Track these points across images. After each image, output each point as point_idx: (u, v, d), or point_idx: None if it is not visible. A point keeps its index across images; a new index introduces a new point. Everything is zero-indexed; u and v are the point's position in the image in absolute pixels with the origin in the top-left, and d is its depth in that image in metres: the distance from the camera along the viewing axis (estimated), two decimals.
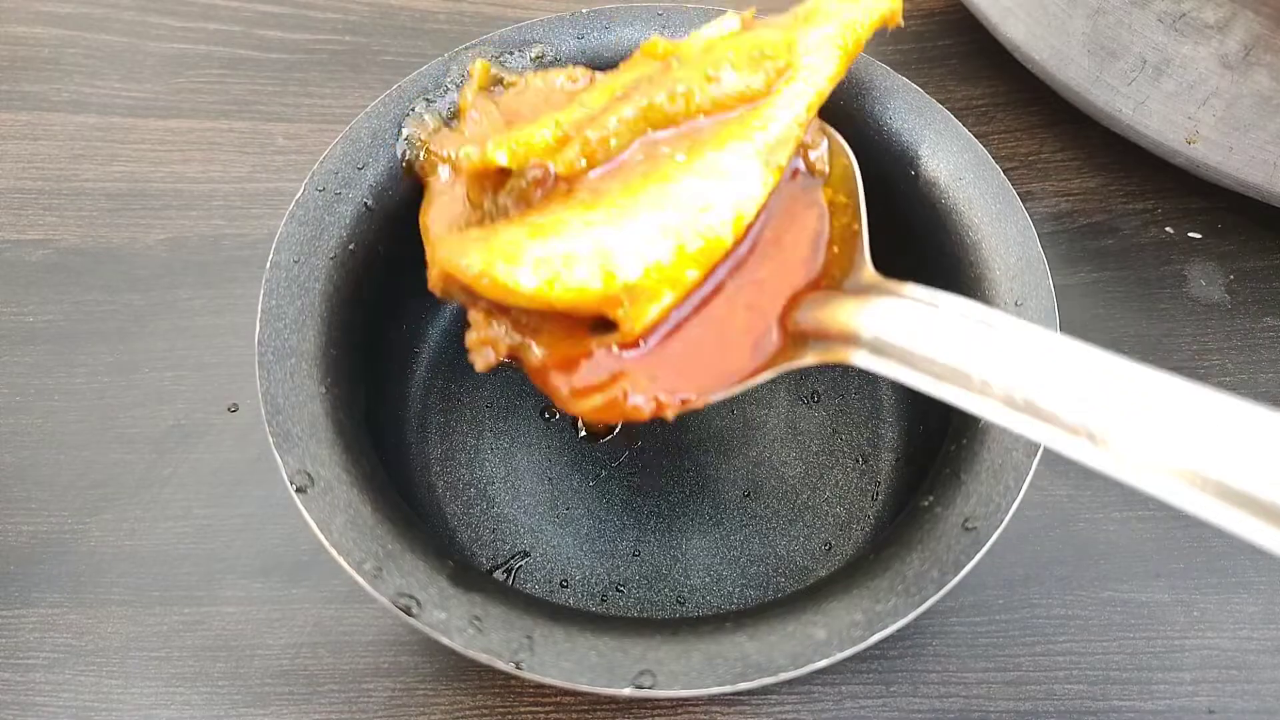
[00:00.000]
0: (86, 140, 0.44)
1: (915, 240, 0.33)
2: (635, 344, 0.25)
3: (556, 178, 0.25)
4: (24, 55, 0.47)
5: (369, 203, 0.31)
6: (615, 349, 0.25)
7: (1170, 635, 0.33)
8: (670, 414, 0.25)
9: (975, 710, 0.31)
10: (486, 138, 0.27)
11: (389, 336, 0.34)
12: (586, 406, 0.25)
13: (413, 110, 0.32)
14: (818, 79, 0.28)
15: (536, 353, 0.25)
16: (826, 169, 0.29)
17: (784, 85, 0.27)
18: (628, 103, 0.26)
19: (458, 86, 0.33)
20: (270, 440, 0.25)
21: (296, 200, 0.29)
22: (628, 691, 0.22)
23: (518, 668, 0.22)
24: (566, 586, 0.33)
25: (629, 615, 0.32)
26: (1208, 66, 0.36)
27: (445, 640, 0.22)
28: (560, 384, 0.25)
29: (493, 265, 0.23)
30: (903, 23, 0.31)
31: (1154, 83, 0.38)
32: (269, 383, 0.26)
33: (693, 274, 0.25)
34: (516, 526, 0.34)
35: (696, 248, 0.25)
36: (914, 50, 0.49)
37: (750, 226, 0.26)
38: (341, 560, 0.23)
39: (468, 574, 0.24)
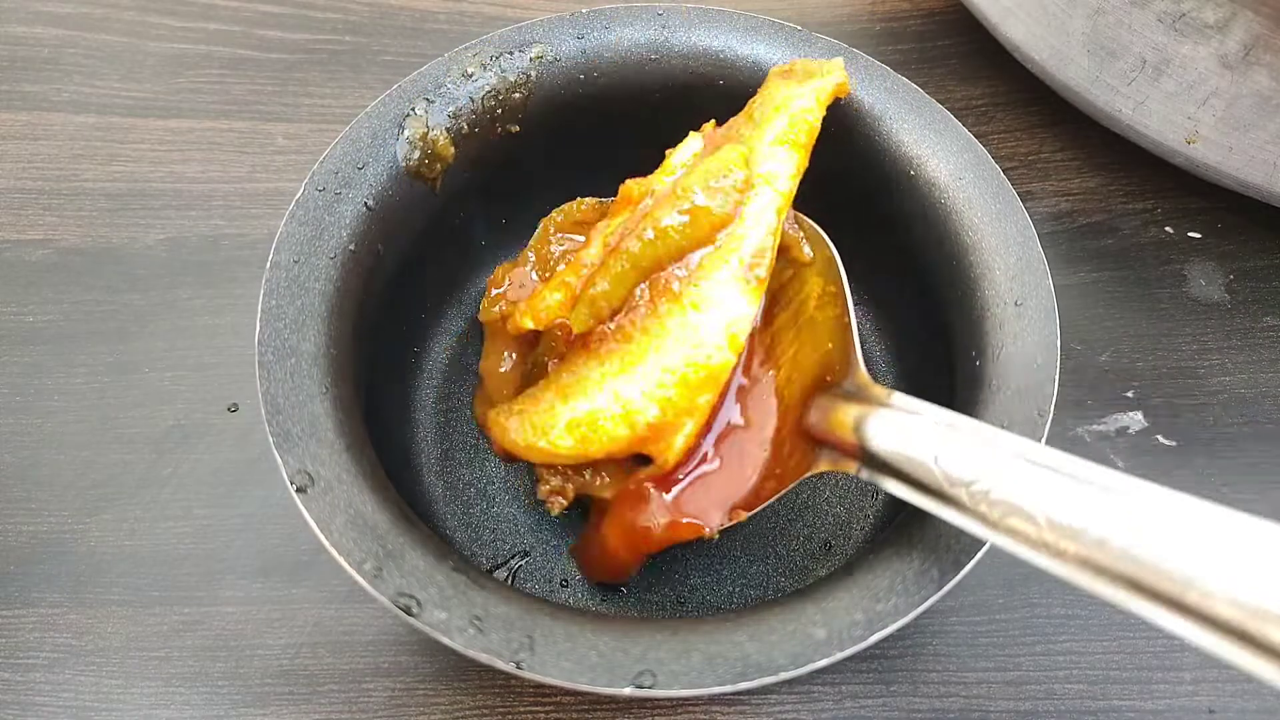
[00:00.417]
0: (86, 140, 0.44)
1: (915, 240, 0.33)
2: (673, 473, 0.28)
3: (577, 335, 0.29)
4: (24, 55, 0.47)
5: (369, 203, 0.31)
6: (660, 493, 0.28)
7: (1170, 635, 0.33)
8: (715, 535, 0.28)
9: (975, 710, 0.31)
10: (519, 304, 0.31)
11: (389, 336, 0.34)
12: (648, 545, 0.28)
13: (413, 110, 0.32)
14: (780, 184, 0.29)
15: (603, 490, 0.29)
16: (810, 254, 0.30)
17: (751, 199, 0.28)
18: (617, 256, 0.28)
19: (457, 86, 0.33)
20: (270, 440, 0.25)
21: (296, 200, 0.29)
22: (628, 691, 0.22)
23: (518, 668, 0.22)
24: (566, 586, 0.33)
25: (629, 615, 0.32)
26: (1207, 66, 0.36)
27: (445, 640, 0.22)
28: (620, 531, 0.29)
29: (536, 440, 0.28)
30: (851, 91, 0.32)
31: (1154, 83, 0.38)
32: (269, 383, 0.26)
33: (705, 399, 0.27)
34: (516, 526, 0.34)
35: (700, 378, 0.27)
36: (914, 50, 0.49)
37: (754, 339, 0.29)
38: (341, 560, 0.23)
39: (468, 574, 0.24)
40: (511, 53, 0.34)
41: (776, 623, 0.23)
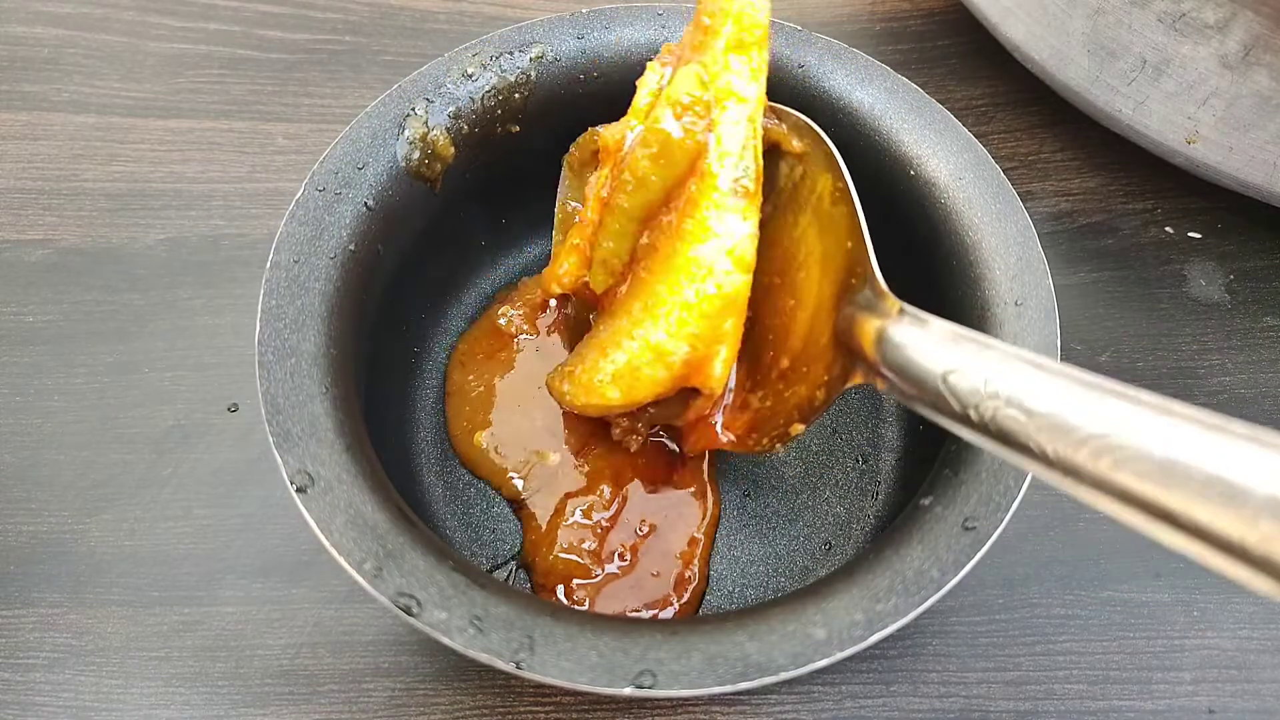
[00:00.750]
0: (86, 140, 0.44)
1: (915, 240, 0.33)
2: (722, 397, 0.30)
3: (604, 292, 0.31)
4: (24, 55, 0.47)
5: (369, 203, 0.31)
6: (723, 425, 0.30)
7: (1170, 635, 0.33)
8: (781, 449, 0.29)
9: (975, 710, 0.31)
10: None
11: (389, 336, 0.34)
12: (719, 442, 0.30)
13: (413, 110, 0.32)
14: (744, 91, 0.28)
15: (673, 419, 0.31)
16: (799, 145, 0.29)
17: (719, 118, 0.28)
18: (611, 214, 0.29)
19: (458, 86, 0.33)
20: (270, 440, 0.25)
21: (296, 200, 0.29)
22: (628, 691, 0.22)
23: (518, 667, 0.22)
24: None
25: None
26: (1208, 66, 0.36)
27: (446, 640, 0.22)
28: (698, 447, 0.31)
29: (590, 398, 0.30)
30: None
31: (1154, 83, 0.38)
32: (269, 383, 0.26)
33: (729, 324, 0.28)
34: (516, 526, 0.34)
35: (718, 306, 0.27)
36: (914, 50, 0.49)
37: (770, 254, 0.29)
38: (342, 560, 0.23)
39: (468, 574, 0.24)
40: (511, 53, 0.34)
41: (776, 623, 0.23)
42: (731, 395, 0.30)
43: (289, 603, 0.33)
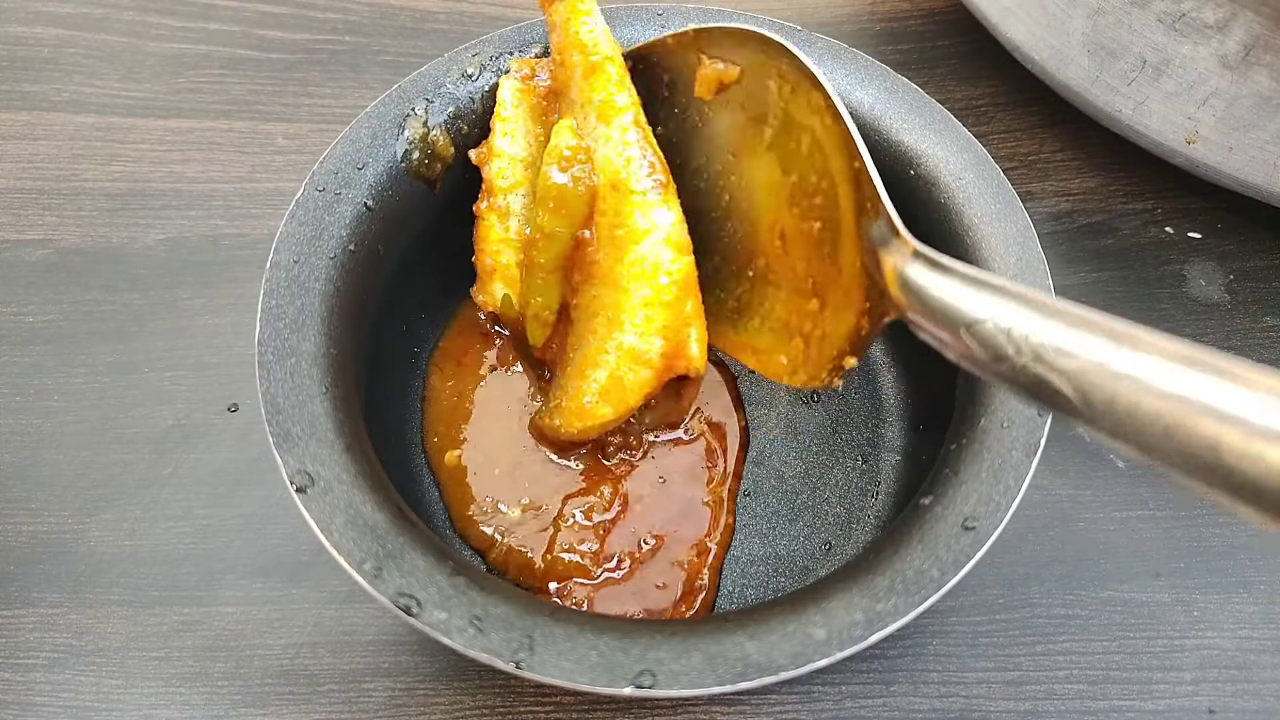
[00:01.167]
0: (86, 140, 0.44)
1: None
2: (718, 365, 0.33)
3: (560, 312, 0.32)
4: (24, 55, 0.47)
5: (369, 203, 0.31)
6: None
7: (1170, 635, 0.33)
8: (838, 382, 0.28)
9: (975, 710, 0.31)
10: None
11: (389, 336, 0.34)
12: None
13: (413, 110, 0.32)
14: (619, 104, 0.30)
15: (670, 420, 0.34)
16: (734, 69, 0.29)
17: (600, 144, 0.30)
18: (531, 271, 0.31)
19: (457, 86, 0.33)
20: (270, 440, 0.25)
21: (296, 200, 0.29)
22: (628, 691, 0.22)
23: (518, 667, 0.22)
24: None
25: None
26: (1208, 66, 0.36)
27: (446, 640, 0.22)
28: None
29: (584, 422, 0.30)
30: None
31: (1154, 83, 0.38)
32: (269, 383, 0.26)
33: (690, 305, 0.30)
34: None
35: (675, 293, 0.29)
36: (914, 50, 0.49)
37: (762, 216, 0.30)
38: (342, 560, 0.23)
39: (468, 574, 0.24)
40: (511, 53, 0.34)
41: (776, 623, 0.23)
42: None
43: (289, 603, 0.33)
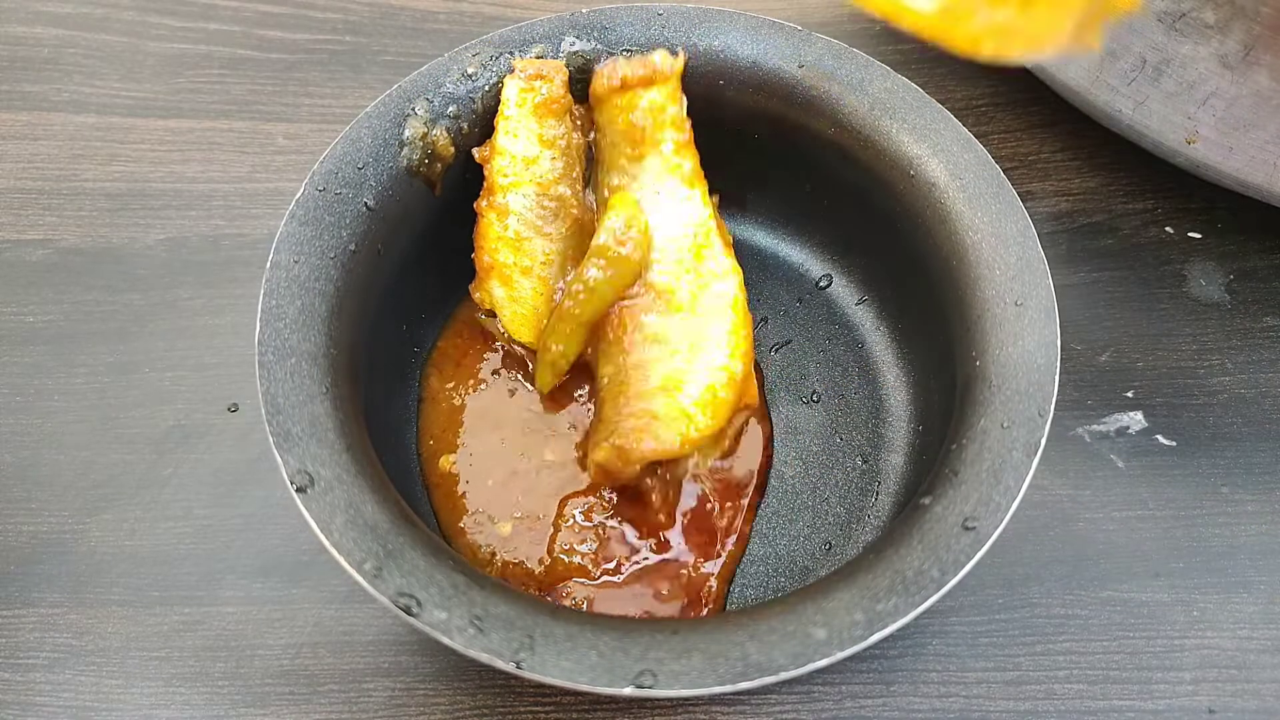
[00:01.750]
0: (86, 140, 0.44)
1: (916, 240, 0.33)
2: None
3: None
4: (24, 55, 0.47)
5: (369, 203, 0.31)
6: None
7: (1170, 635, 0.33)
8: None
9: (975, 710, 0.31)
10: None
11: (389, 336, 0.34)
12: None
13: (413, 110, 0.32)
14: (699, 198, 0.32)
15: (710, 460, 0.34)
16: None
17: (678, 192, 0.33)
18: (562, 319, 0.32)
19: (457, 86, 0.33)
20: (271, 440, 0.25)
21: (296, 200, 0.29)
22: (628, 691, 0.22)
23: (518, 667, 0.22)
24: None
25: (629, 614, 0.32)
26: (1208, 66, 0.36)
27: (446, 640, 0.23)
28: None
29: (685, 430, 0.30)
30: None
31: (1154, 83, 0.38)
32: (269, 383, 0.26)
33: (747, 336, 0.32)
34: None
35: (742, 320, 0.32)
36: (914, 50, 0.49)
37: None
38: (342, 560, 0.23)
39: (468, 573, 0.24)
40: (512, 53, 0.34)
41: (776, 623, 0.23)
42: None
43: (289, 603, 0.33)
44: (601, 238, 0.31)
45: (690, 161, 0.32)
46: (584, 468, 0.33)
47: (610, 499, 0.32)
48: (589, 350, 0.33)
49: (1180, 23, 0.36)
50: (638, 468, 0.30)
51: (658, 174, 0.32)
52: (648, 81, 0.32)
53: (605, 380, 0.32)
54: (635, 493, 0.32)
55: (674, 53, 0.32)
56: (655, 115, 0.32)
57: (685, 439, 0.30)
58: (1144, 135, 0.39)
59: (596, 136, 0.34)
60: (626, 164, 0.33)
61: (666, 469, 0.31)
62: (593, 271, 0.31)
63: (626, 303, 0.32)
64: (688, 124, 0.32)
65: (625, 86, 0.32)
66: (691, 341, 0.31)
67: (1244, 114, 0.36)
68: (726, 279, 0.32)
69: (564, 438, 0.34)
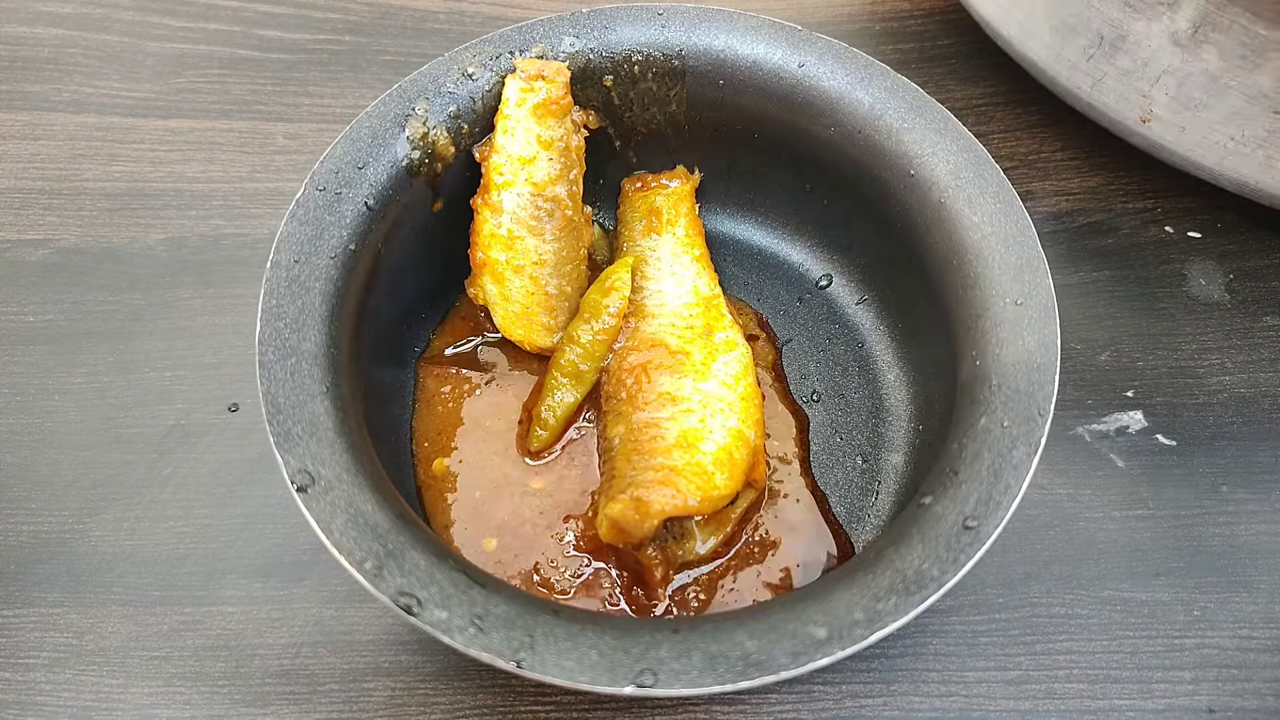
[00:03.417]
0: (86, 140, 0.44)
1: (916, 240, 0.33)
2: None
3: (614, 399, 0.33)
4: (24, 55, 0.47)
5: (369, 202, 0.31)
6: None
7: (1170, 635, 0.33)
8: None
9: (976, 710, 0.31)
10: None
11: (389, 336, 0.34)
12: None
13: (413, 110, 0.32)
14: (706, 284, 0.35)
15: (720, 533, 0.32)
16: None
17: (688, 264, 0.36)
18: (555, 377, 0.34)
19: (458, 86, 0.33)
20: (271, 440, 0.25)
21: (297, 200, 0.29)
22: (629, 690, 0.22)
23: (519, 667, 0.22)
24: None
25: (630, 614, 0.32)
26: (1159, 44, 0.36)
27: (446, 639, 0.22)
28: None
29: (706, 486, 0.29)
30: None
31: (1110, 59, 0.37)
32: (270, 382, 0.26)
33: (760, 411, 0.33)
34: None
35: (761, 396, 0.33)
36: (914, 50, 0.49)
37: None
38: (342, 559, 0.23)
39: (468, 573, 0.24)
40: (512, 52, 0.34)
41: (777, 622, 0.23)
42: None
43: (289, 602, 0.33)
44: (594, 300, 0.34)
45: (701, 249, 0.36)
46: (588, 524, 0.32)
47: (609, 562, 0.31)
48: (585, 410, 0.34)
49: None
50: (655, 523, 0.28)
51: (673, 249, 0.36)
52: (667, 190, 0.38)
53: (616, 440, 0.31)
54: (634, 562, 0.30)
55: (692, 171, 0.38)
56: (673, 202, 0.37)
57: (705, 495, 0.29)
58: (1102, 113, 0.39)
59: (619, 212, 0.38)
60: (642, 238, 0.37)
61: (672, 544, 0.30)
62: (589, 335, 0.34)
63: (640, 358, 0.32)
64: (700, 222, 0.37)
65: (645, 187, 0.38)
66: (705, 403, 0.31)
67: (1195, 93, 0.36)
68: (734, 351, 0.33)
69: (552, 468, 0.33)
